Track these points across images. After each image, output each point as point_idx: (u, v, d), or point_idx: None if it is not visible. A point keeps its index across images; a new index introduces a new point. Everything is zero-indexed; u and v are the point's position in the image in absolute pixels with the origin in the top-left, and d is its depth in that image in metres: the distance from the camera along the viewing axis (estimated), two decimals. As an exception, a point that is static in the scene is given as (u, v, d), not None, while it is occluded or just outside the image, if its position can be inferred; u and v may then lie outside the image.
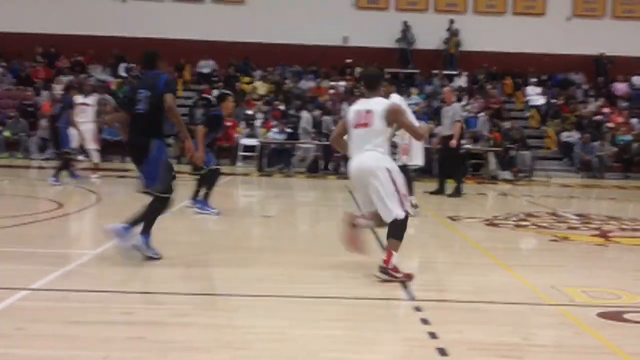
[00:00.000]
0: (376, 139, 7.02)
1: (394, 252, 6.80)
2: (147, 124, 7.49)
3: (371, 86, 7.37)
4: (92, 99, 16.87)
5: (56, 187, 14.75)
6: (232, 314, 5.55)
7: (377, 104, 7.10)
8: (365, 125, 7.03)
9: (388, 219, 6.87)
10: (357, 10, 31.24)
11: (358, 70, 30.56)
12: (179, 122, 7.54)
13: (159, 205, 7.56)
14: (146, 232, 7.45)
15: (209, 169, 11.39)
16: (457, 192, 15.41)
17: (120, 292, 6.08)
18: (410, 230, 10.37)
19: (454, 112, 15.38)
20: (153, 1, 30.61)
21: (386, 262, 6.77)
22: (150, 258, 7.36)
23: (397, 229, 6.87)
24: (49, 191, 14.22)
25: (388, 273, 6.74)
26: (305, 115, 25.27)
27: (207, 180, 11.47)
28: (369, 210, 7.09)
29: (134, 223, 7.40)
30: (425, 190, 15.73)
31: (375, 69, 7.76)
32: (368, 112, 7.07)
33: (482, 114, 25.57)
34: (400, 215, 6.84)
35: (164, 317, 5.34)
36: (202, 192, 11.46)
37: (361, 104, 7.25)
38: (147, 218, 7.45)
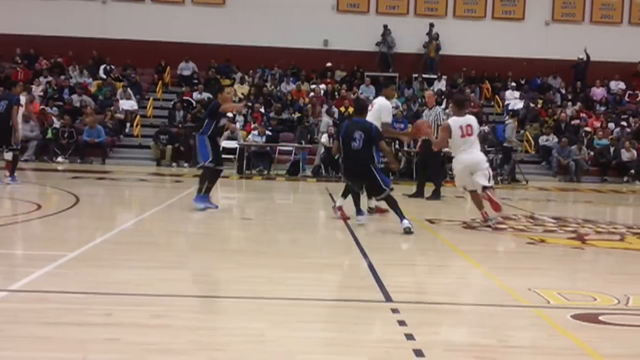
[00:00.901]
0: (477, 143, 11.15)
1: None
2: (364, 155, 10.44)
3: (462, 107, 11.41)
4: (23, 99, 16.79)
5: (18, 187, 14.70)
6: (210, 316, 5.56)
7: (473, 120, 11.22)
8: (469, 135, 10.96)
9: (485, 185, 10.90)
10: (337, 14, 31.32)
11: (339, 73, 30.68)
12: (389, 153, 11.88)
13: (391, 198, 10.50)
14: (402, 216, 10.25)
15: (204, 166, 11.88)
16: (436, 195, 15.51)
17: (99, 293, 6.06)
18: (388, 233, 10.44)
19: (435, 115, 15.49)
20: (133, 3, 30.53)
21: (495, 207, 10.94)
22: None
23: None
24: (28, 192, 14.16)
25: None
26: (325, 119, 25.17)
27: (201, 176, 12.02)
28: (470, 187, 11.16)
29: (400, 216, 10.27)
30: (404, 193, 15.78)
31: (462, 94, 10.94)
32: (469, 125, 11.00)
33: (509, 120, 25.61)
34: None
35: (141, 318, 5.33)
36: (203, 188, 11.93)
37: (462, 120, 11.04)
38: (396, 209, 10.40)
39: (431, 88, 29.88)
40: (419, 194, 15.66)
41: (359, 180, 10.85)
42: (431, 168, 15.94)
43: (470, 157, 11.02)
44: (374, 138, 10.49)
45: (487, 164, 11.23)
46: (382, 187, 10.44)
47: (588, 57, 30.42)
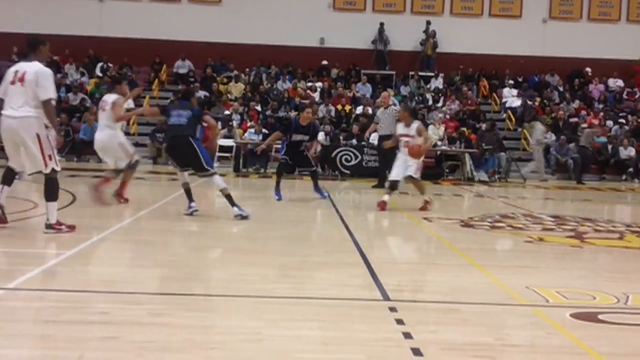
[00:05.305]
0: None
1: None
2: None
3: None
4: None
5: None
6: (206, 315, 5.54)
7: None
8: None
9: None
10: (334, 12, 31.32)
11: (335, 71, 30.67)
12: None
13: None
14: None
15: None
16: (381, 185, 17.38)
17: (96, 291, 6.05)
18: (386, 230, 10.43)
19: (393, 113, 17.23)
20: (130, 1, 30.49)
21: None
22: None
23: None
24: (24, 191, 14.11)
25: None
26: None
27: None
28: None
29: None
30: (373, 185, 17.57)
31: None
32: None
33: None
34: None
35: (138, 317, 5.31)
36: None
37: None
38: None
39: (428, 86, 30.03)
40: (380, 185, 17.60)
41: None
42: (388, 161, 17.25)
43: None
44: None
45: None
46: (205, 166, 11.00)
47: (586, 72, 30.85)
